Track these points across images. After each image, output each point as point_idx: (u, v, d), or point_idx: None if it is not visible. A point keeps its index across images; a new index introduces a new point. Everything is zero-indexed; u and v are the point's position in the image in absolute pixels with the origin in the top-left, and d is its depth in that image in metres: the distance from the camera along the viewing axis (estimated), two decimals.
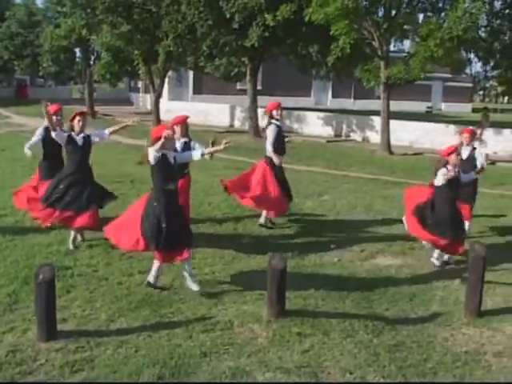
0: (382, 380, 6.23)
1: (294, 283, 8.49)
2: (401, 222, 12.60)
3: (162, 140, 7.76)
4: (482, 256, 7.91)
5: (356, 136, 34.79)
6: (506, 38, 28.85)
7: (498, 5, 28.40)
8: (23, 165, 17.76)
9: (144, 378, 6.03)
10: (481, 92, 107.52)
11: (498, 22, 28.32)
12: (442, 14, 26.40)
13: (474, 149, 11.99)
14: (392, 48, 32.17)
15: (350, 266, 9.90)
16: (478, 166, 11.47)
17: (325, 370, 6.34)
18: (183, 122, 10.08)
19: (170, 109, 42.84)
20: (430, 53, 24.31)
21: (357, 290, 8.75)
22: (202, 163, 10.62)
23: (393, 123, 29.44)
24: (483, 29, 28.10)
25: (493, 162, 26.13)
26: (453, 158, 9.71)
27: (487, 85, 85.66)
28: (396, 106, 37.12)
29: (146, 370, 6.15)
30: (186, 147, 9.95)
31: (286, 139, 12.64)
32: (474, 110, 59.60)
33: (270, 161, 11.88)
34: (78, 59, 52.27)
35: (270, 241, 11.17)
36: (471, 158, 11.80)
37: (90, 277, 8.81)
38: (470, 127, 13.04)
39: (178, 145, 9.86)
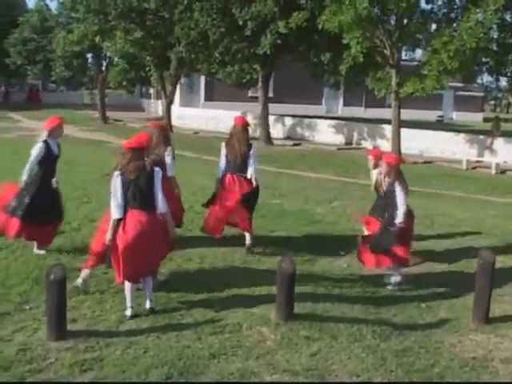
0: None
1: (304, 287, 8.54)
2: None
3: None
4: (491, 262, 7.94)
5: (367, 144, 34.84)
6: None
7: (508, 18, 28.37)
8: None
9: (152, 377, 6.08)
10: (492, 102, 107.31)
11: (510, 34, 28.27)
12: (454, 25, 26.41)
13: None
14: (403, 56, 32.21)
15: (359, 272, 9.90)
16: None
17: (332, 373, 6.37)
18: None
19: (182, 115, 43.02)
20: (444, 66, 24.31)
21: (365, 296, 8.80)
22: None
23: (403, 132, 29.51)
24: (494, 41, 28.05)
25: (503, 171, 26.16)
26: None
27: (499, 95, 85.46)
28: (407, 114, 37.18)
29: (155, 370, 6.20)
30: None
31: None
32: (486, 120, 59.45)
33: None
34: (90, 65, 52.50)
35: (280, 245, 11.17)
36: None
37: (101, 278, 8.84)
38: (375, 148, 12.00)
39: None
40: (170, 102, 39.12)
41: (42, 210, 9.56)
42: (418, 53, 48.48)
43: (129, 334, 7.06)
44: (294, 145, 34.67)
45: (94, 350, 6.60)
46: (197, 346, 6.80)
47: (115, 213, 7.52)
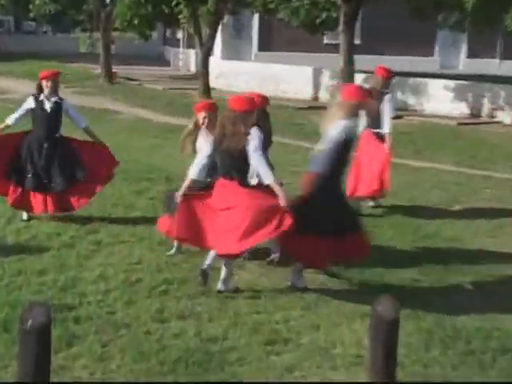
0: None
1: (410, 339, 8.35)
2: None
3: None
4: None
5: (504, 116, 34.35)
6: None
7: None
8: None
9: None
10: None
11: None
12: None
13: None
14: None
15: (493, 314, 9.69)
16: None
17: None
18: None
19: (224, 72, 42.91)
20: None
21: (507, 354, 8.55)
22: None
23: None
24: None
25: None
26: None
27: None
28: None
29: None
30: None
31: None
32: None
33: None
34: None
35: (373, 271, 10.98)
36: None
37: (104, 322, 8.80)
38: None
39: None
40: (207, 53, 38.96)
41: None
42: None
43: None
44: (393, 117, 34.39)
45: None
46: None
47: (193, 173, 9.71)
